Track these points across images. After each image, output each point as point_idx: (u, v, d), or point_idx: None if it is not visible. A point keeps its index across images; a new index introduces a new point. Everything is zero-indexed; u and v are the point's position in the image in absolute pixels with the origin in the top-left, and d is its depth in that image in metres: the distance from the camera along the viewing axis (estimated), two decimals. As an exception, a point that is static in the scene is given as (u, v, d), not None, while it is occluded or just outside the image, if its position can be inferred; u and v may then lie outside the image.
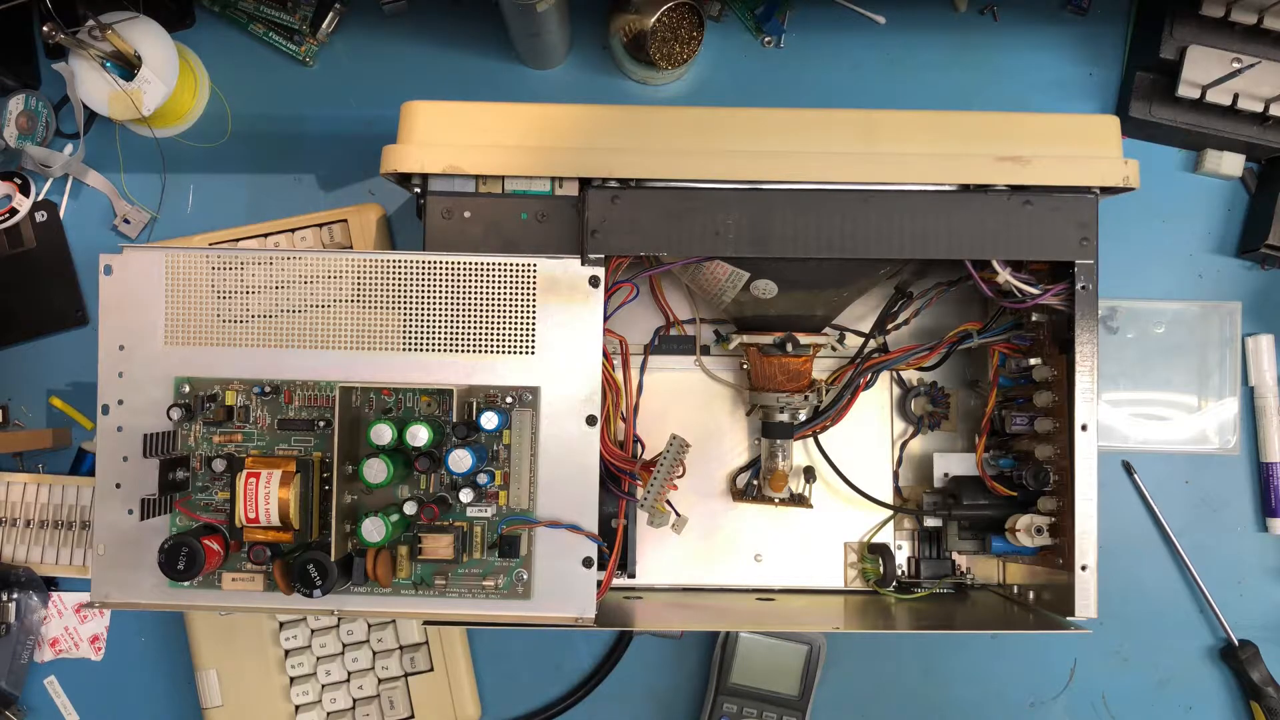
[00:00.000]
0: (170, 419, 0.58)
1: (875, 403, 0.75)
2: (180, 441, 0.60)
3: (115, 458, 0.59)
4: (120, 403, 0.59)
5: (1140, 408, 0.78)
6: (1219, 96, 0.73)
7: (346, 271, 0.59)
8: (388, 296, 0.59)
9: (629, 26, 0.75)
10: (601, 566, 0.61)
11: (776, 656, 0.74)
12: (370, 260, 0.59)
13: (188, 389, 0.60)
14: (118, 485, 0.59)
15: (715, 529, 0.74)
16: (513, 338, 0.59)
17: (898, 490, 0.75)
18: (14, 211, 0.78)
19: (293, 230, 0.75)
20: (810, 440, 0.73)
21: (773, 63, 0.80)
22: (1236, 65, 0.72)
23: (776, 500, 0.71)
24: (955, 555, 0.73)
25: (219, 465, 0.58)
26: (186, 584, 0.59)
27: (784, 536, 0.74)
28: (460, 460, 0.56)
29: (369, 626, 0.76)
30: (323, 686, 0.75)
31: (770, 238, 0.61)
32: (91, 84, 0.73)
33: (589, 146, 0.61)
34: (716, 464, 0.75)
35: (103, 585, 0.60)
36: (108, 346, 0.60)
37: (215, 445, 0.60)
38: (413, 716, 0.75)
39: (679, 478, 0.65)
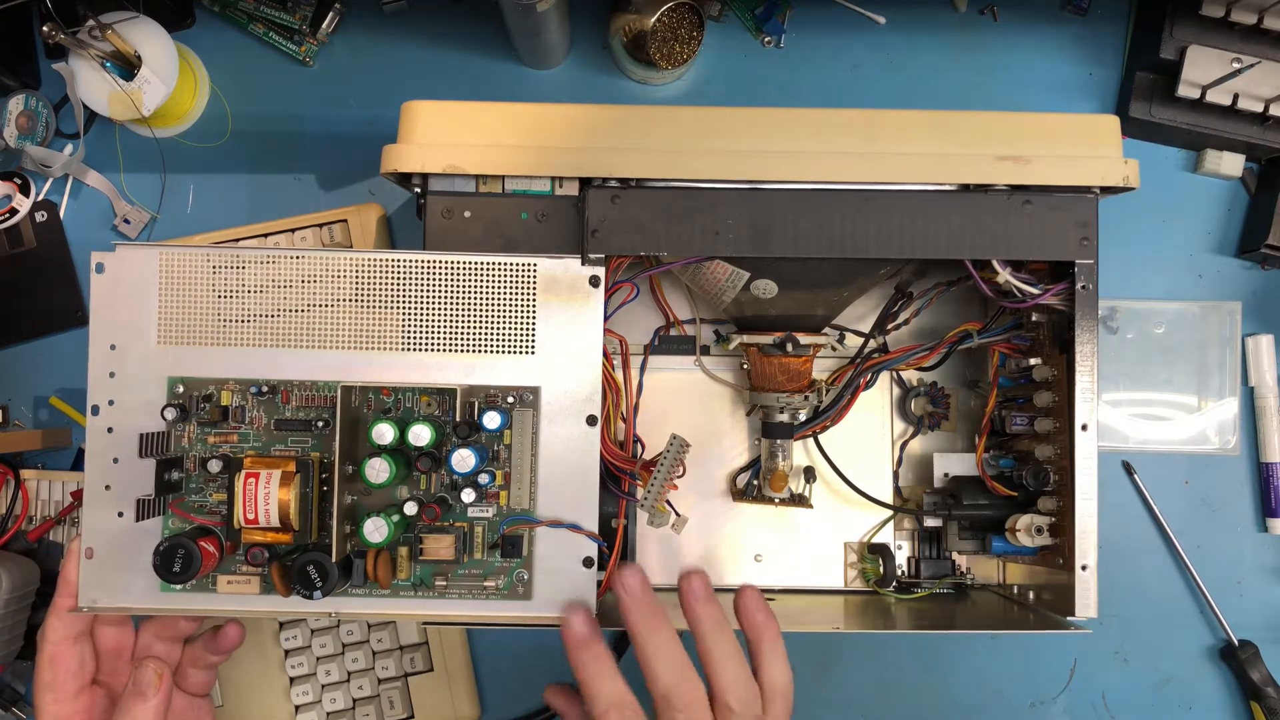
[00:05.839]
0: (164, 419, 0.57)
1: (875, 403, 0.75)
2: (174, 442, 0.59)
3: (105, 459, 0.58)
4: (111, 403, 0.58)
5: (1140, 408, 0.78)
6: (1219, 96, 0.73)
7: (346, 271, 0.59)
8: (387, 296, 0.59)
9: (629, 26, 0.75)
10: (602, 566, 0.61)
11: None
12: (370, 260, 0.59)
13: (181, 389, 0.59)
14: (107, 487, 0.58)
15: (715, 529, 0.74)
16: (513, 338, 0.59)
17: (898, 490, 0.75)
18: (14, 211, 0.77)
19: (293, 230, 0.75)
20: (810, 440, 0.73)
21: (773, 63, 0.80)
22: (1236, 65, 0.72)
23: (776, 500, 0.71)
24: (955, 555, 0.73)
25: (214, 466, 0.57)
26: (179, 587, 0.59)
27: (784, 536, 0.74)
28: (464, 460, 0.56)
29: (369, 627, 0.76)
30: (322, 687, 0.75)
31: (770, 238, 0.61)
32: (91, 84, 0.73)
33: (589, 146, 0.61)
34: (716, 464, 0.75)
35: (90, 590, 0.58)
36: (99, 346, 0.59)
37: (210, 446, 0.59)
38: (412, 717, 0.75)
39: (679, 478, 0.65)
